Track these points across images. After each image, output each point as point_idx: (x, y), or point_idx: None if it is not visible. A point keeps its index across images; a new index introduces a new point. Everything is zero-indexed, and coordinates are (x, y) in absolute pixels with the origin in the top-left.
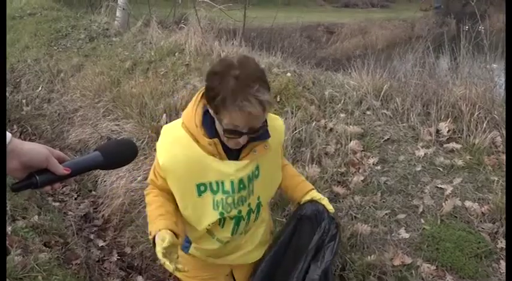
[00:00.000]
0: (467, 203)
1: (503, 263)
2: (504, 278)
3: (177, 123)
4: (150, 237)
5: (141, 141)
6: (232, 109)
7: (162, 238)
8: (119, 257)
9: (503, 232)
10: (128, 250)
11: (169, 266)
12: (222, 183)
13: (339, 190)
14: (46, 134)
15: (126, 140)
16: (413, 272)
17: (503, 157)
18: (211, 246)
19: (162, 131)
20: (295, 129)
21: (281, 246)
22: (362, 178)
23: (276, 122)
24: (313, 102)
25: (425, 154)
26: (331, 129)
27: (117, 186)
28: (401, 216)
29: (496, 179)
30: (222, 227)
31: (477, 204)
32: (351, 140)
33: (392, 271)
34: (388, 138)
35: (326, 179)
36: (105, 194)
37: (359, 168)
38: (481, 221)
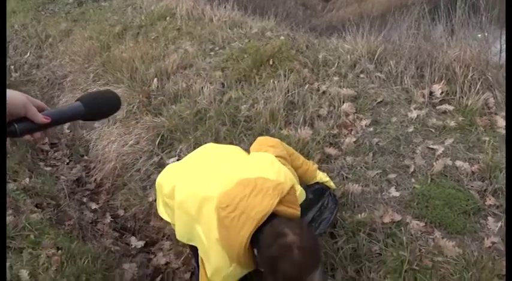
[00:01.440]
0: (458, 163)
1: (490, 219)
2: (491, 234)
3: (229, 266)
4: None
5: (132, 105)
6: None
7: None
8: (112, 219)
9: (491, 190)
10: (120, 212)
11: None
12: None
13: (331, 151)
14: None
15: (108, 91)
16: (402, 228)
17: (496, 117)
18: None
19: (222, 279)
20: (288, 92)
21: None
22: (354, 139)
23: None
24: (307, 65)
25: (417, 115)
26: (324, 92)
27: (109, 150)
28: (392, 176)
29: (487, 139)
30: None
31: (467, 163)
32: (343, 103)
33: (382, 228)
34: (381, 101)
35: (318, 140)
36: (96, 158)
37: (351, 130)
38: (470, 179)
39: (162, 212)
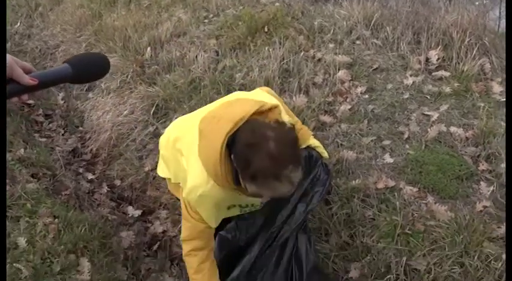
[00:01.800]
0: (452, 129)
1: (483, 184)
2: (483, 198)
3: (206, 183)
4: None
5: (126, 75)
6: (262, 186)
7: None
8: (108, 189)
9: (485, 155)
10: (117, 182)
11: None
12: (252, 204)
13: (326, 118)
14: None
15: (96, 53)
16: (395, 194)
17: (491, 83)
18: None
19: (198, 198)
20: (283, 59)
21: None
22: (349, 107)
23: None
24: (302, 32)
25: (413, 82)
26: (319, 60)
27: (104, 120)
28: (386, 142)
29: (483, 105)
30: None
31: (462, 129)
32: (339, 70)
33: (376, 194)
34: (377, 68)
35: (313, 108)
36: (92, 129)
37: (346, 97)
38: (464, 145)
39: (160, 169)
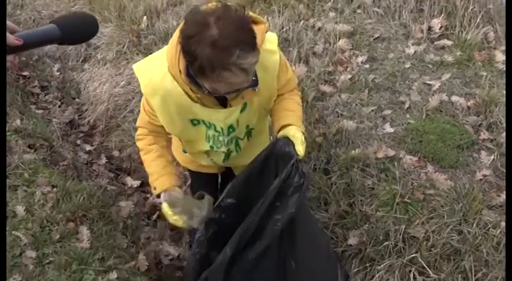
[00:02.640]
0: (454, 98)
1: (483, 153)
2: (483, 167)
3: (161, 65)
4: (155, 192)
5: (122, 45)
6: (212, 79)
7: (170, 204)
8: (107, 160)
9: (486, 124)
10: (115, 153)
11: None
12: (214, 124)
13: (326, 88)
14: None
15: (84, 12)
16: (395, 163)
17: (495, 52)
18: (206, 162)
19: (144, 74)
20: (282, 28)
21: (252, 173)
22: (349, 76)
23: (268, 61)
24: (302, 0)
25: (415, 51)
26: (319, 29)
27: (101, 92)
28: (387, 112)
29: (485, 74)
30: (215, 152)
31: (463, 98)
32: (339, 39)
33: (376, 163)
34: (378, 37)
35: (313, 78)
36: (88, 100)
37: (347, 67)
38: (465, 114)
39: None
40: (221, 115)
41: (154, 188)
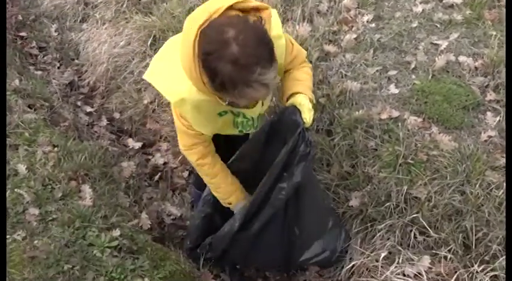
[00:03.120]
0: (461, 58)
1: (489, 114)
2: (488, 128)
3: (182, 79)
4: (231, 207)
5: (120, 4)
6: (233, 94)
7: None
8: (108, 122)
9: (493, 85)
10: (116, 115)
11: None
12: (243, 113)
13: (330, 48)
14: (18, 1)
15: None
16: (399, 124)
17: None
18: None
19: (166, 88)
20: None
21: (259, 140)
22: (355, 36)
23: (276, 48)
24: None
25: (423, 9)
26: None
27: (100, 52)
28: (392, 72)
29: (494, 33)
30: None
31: (471, 59)
32: None
33: (379, 124)
34: None
35: (317, 37)
36: (88, 61)
37: (352, 26)
38: (472, 75)
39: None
40: (252, 111)
41: (230, 203)
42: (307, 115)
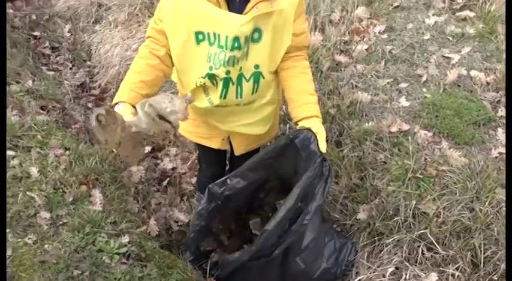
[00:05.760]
0: (473, 73)
1: (500, 131)
2: (499, 144)
3: None
4: (113, 103)
5: (133, 7)
6: None
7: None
8: None
9: (505, 101)
10: None
11: None
12: (219, 36)
13: (341, 58)
14: (33, 1)
15: None
16: (409, 138)
17: None
18: (203, 105)
19: None
20: None
21: (267, 158)
22: (366, 47)
23: None
24: None
25: (435, 22)
26: None
27: (112, 54)
28: (403, 85)
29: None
30: (215, 87)
31: (483, 73)
32: (357, 7)
33: (389, 137)
34: (397, 5)
35: (328, 47)
36: (100, 63)
37: (364, 36)
38: (484, 90)
39: None
40: (230, 21)
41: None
42: (323, 145)
